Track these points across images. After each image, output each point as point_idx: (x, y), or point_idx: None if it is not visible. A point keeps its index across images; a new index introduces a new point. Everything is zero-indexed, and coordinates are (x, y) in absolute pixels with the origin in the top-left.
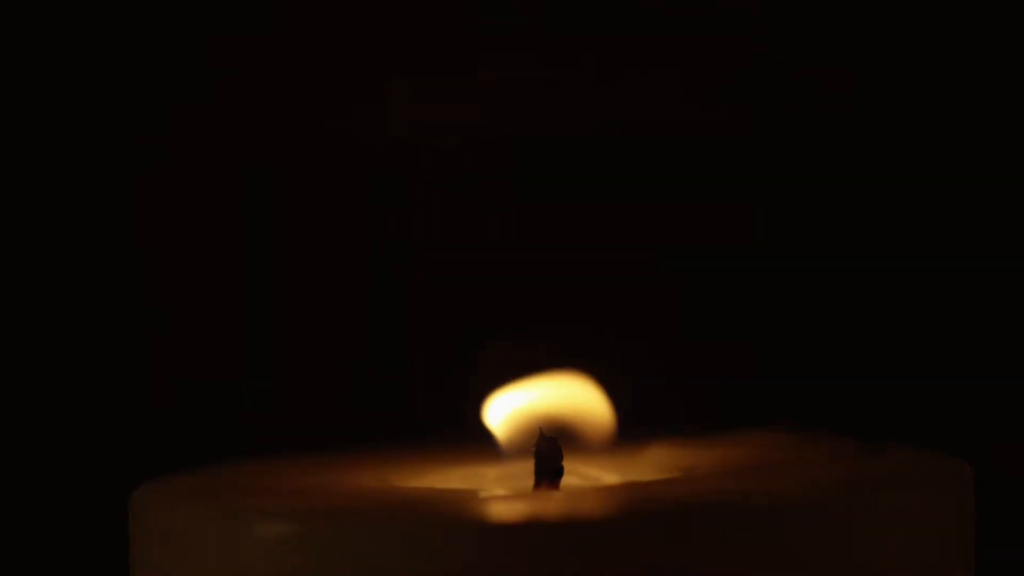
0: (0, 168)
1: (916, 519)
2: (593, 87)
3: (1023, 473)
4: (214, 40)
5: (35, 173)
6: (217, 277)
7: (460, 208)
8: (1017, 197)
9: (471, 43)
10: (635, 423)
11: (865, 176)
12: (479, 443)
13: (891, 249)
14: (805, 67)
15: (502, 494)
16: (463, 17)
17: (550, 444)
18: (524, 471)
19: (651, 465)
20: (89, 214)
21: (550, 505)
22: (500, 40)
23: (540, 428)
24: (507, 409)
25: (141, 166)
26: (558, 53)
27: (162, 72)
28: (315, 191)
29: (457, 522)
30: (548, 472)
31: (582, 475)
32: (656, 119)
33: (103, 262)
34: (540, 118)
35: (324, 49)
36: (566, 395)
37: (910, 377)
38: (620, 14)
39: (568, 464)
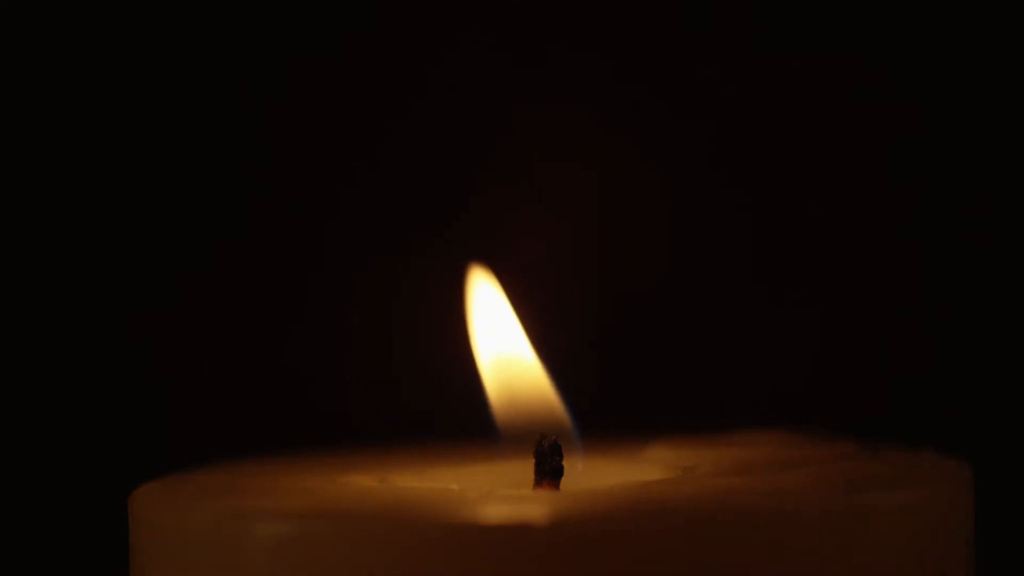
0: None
1: (916, 519)
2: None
3: (1023, 473)
4: (215, 41)
5: (35, 173)
6: (217, 276)
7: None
8: (1018, 194)
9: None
10: (634, 423)
11: (865, 175)
12: (478, 442)
13: (891, 247)
14: (805, 67)
15: (502, 494)
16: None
17: (550, 444)
18: (524, 471)
19: (651, 465)
20: (89, 213)
21: (550, 505)
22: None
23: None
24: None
25: (141, 164)
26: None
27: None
28: (314, 192)
29: (457, 522)
30: (548, 472)
31: (582, 475)
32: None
33: (103, 261)
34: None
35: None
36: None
37: (910, 377)
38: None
39: (568, 464)
